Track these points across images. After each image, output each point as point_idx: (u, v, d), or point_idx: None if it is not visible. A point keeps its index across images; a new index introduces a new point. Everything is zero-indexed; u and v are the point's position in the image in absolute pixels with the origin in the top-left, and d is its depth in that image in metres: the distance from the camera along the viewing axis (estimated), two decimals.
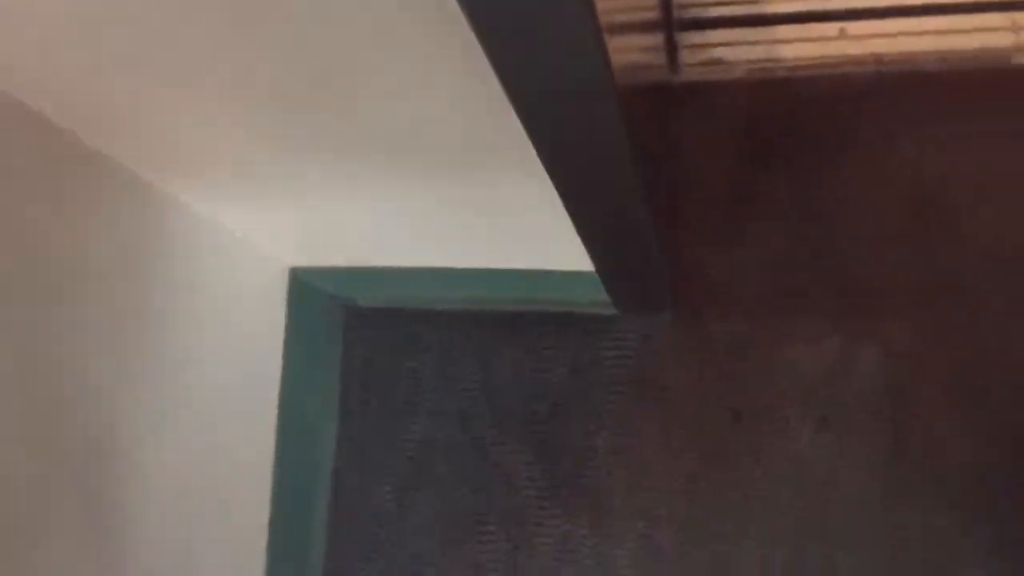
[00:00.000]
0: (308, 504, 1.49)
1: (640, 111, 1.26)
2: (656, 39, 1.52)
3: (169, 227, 1.18)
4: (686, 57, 1.53)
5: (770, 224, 1.44)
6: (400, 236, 1.31)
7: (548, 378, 1.45)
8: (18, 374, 0.96)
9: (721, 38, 1.54)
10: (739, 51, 1.52)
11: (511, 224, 1.26)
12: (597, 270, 1.29)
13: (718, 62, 1.52)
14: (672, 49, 1.54)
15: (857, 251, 1.40)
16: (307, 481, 1.49)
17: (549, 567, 1.40)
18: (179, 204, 1.19)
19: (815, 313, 1.40)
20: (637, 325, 1.45)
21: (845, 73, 1.48)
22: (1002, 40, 1.46)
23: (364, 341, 1.53)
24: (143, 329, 1.14)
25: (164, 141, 1.03)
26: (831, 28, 1.50)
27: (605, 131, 0.91)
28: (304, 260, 1.40)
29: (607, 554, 1.39)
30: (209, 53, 0.81)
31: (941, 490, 1.32)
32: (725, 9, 1.54)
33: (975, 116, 1.42)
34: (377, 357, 1.52)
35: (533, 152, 0.95)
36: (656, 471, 1.40)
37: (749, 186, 1.47)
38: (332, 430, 1.53)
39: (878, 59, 1.47)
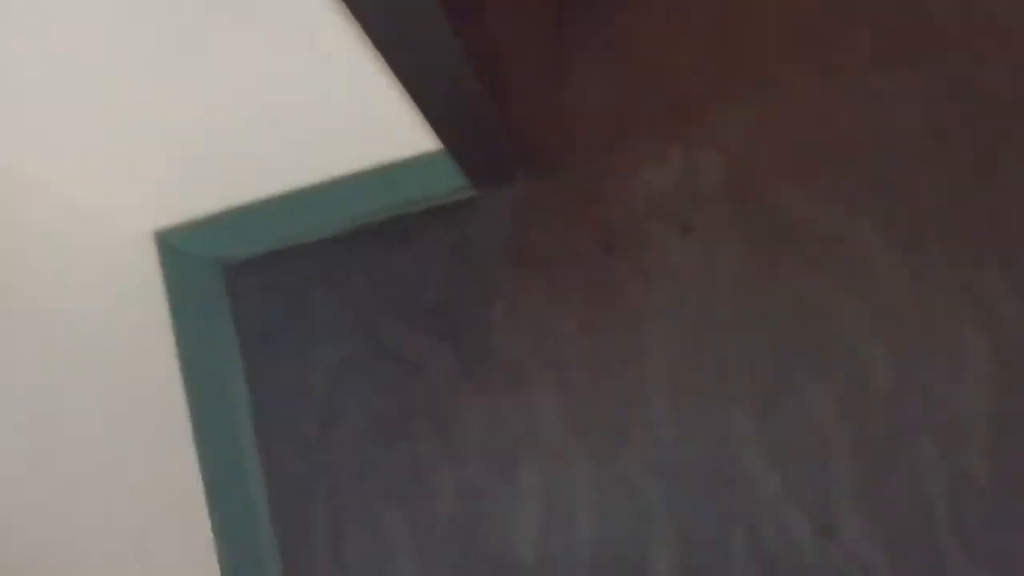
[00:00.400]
0: (239, 461, 1.51)
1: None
2: None
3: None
4: None
5: (589, 71, 1.53)
6: (247, 166, 1.35)
7: (432, 270, 1.52)
8: None
9: None
10: None
11: (350, 125, 1.31)
12: (445, 144, 1.35)
13: None
14: None
15: (674, 69, 1.51)
16: (231, 439, 1.51)
17: (482, 441, 1.46)
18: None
19: (653, 136, 1.49)
20: (497, 198, 1.52)
21: None
22: None
23: (249, 292, 1.57)
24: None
25: None
26: None
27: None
28: (165, 220, 1.43)
29: (531, 410, 1.46)
30: None
31: (801, 257, 1.43)
32: None
33: None
34: (266, 303, 1.56)
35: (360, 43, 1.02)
36: (552, 321, 1.47)
37: (561, 43, 1.56)
38: (242, 384, 1.55)
39: None
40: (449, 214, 1.52)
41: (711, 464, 1.40)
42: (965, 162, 1.42)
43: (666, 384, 1.42)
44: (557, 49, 1.55)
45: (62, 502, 1.14)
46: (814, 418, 1.39)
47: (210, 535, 1.42)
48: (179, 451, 1.42)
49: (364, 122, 1.31)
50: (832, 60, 1.48)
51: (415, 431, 1.48)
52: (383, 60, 1.11)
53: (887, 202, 1.43)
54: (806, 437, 1.39)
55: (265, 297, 1.56)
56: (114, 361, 1.32)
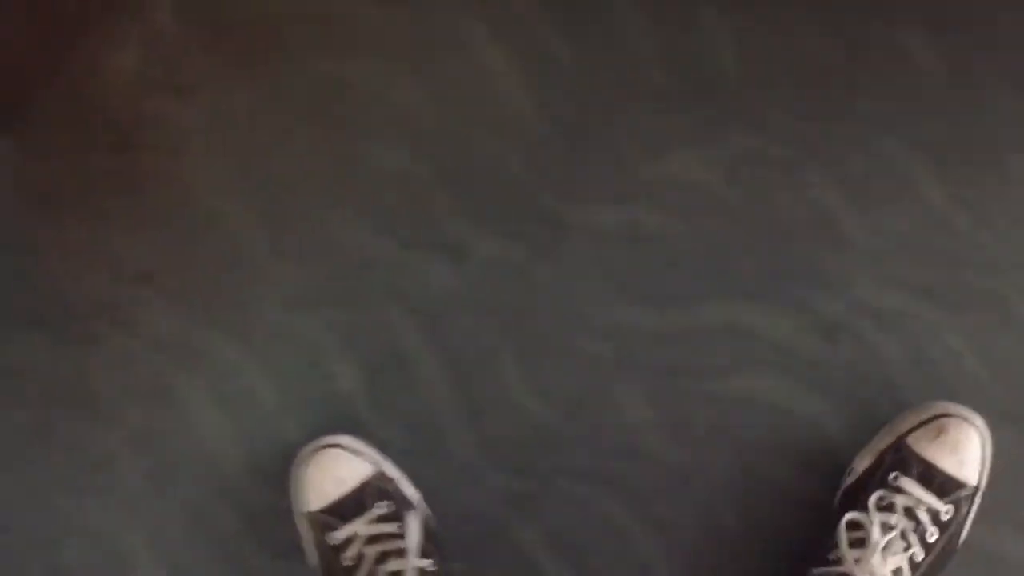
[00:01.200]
0: None
1: None
2: None
3: None
4: None
5: None
6: None
7: None
8: None
9: None
10: None
11: None
12: None
13: None
14: None
15: None
16: None
17: (124, 388, 1.39)
18: None
19: (102, 22, 1.36)
20: None
21: None
22: None
23: None
24: None
25: None
26: None
27: None
28: None
29: (153, 334, 1.38)
30: None
31: (322, 48, 1.36)
32: None
33: None
34: None
35: None
36: (112, 241, 1.38)
37: None
38: None
39: None
40: None
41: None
42: None
43: (267, 241, 1.37)
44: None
45: None
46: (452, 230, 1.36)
47: None
48: None
49: None
50: None
51: (58, 428, 1.39)
52: None
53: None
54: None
55: None
56: None
